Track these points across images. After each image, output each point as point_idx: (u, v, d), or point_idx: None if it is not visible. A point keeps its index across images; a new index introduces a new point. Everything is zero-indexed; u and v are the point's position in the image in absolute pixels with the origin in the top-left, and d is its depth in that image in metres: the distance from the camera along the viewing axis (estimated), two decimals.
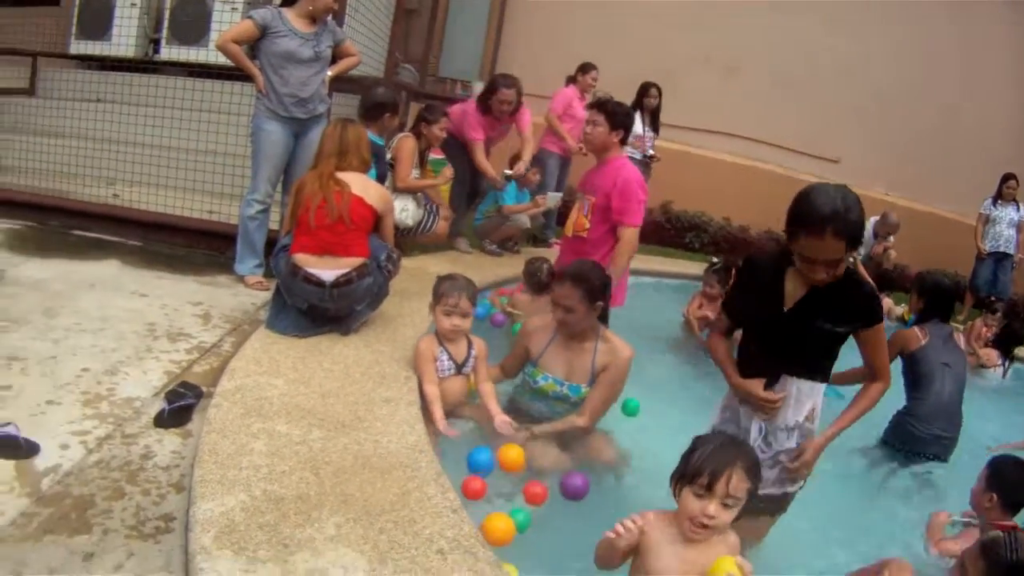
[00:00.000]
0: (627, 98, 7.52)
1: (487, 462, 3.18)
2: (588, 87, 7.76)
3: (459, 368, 3.64)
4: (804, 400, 2.85)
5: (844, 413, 2.91)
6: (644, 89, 8.24)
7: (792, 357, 2.81)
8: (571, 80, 7.82)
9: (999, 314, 7.25)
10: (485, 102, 6.26)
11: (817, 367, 2.85)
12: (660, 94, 8.28)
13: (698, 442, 2.26)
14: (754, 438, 2.89)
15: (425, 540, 2.29)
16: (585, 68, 7.79)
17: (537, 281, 5.24)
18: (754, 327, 2.91)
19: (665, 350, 5.63)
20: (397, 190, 5.62)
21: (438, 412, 3.42)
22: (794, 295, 2.73)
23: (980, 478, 3.42)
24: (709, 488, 2.15)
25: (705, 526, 2.16)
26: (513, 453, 3.25)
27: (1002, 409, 6.03)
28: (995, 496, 3.32)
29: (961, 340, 5.04)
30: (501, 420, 3.44)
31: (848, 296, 2.67)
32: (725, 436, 2.32)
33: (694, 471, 2.17)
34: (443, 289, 3.63)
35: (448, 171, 6.17)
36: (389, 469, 2.69)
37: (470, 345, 3.71)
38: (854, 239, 2.50)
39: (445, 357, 3.61)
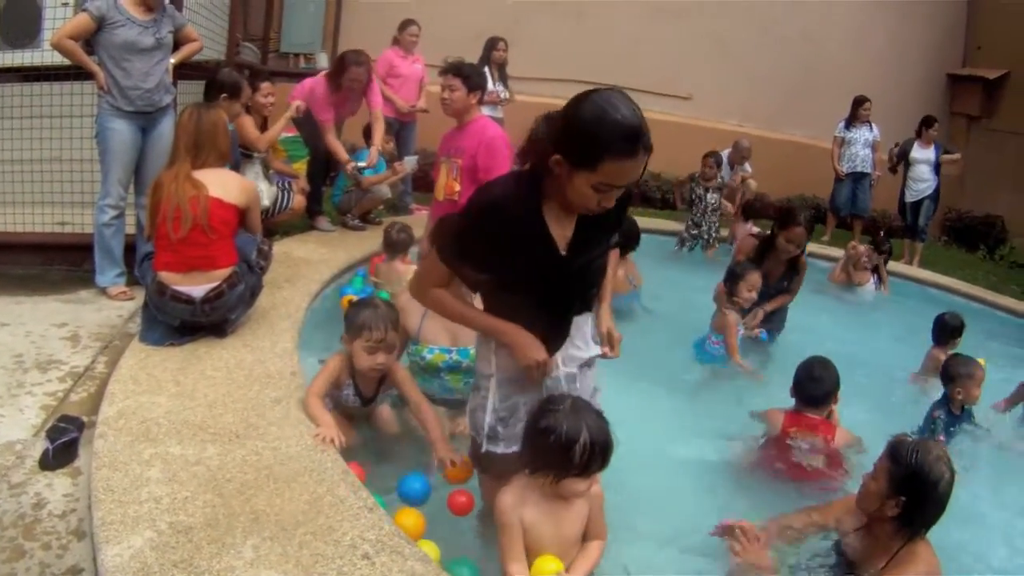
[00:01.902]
0: (474, 53, 7.53)
1: (421, 490, 2.93)
2: (409, 43, 7.71)
3: (364, 404, 3.34)
4: (591, 328, 2.69)
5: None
6: (492, 43, 8.18)
7: (577, 299, 2.55)
8: (396, 41, 7.75)
9: (886, 251, 7.54)
10: (336, 79, 6.11)
11: (593, 296, 2.66)
12: (507, 47, 8.26)
13: (565, 436, 2.25)
14: (564, 386, 2.59)
15: (348, 547, 2.28)
16: (403, 25, 7.73)
17: (391, 241, 5.20)
18: (524, 283, 2.44)
19: None
20: (258, 153, 5.68)
21: (324, 417, 3.03)
22: (563, 236, 2.39)
23: None
24: (587, 474, 2.32)
25: None
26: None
27: (899, 319, 6.67)
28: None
29: None
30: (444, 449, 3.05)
31: (609, 217, 2.40)
32: (586, 425, 2.27)
33: (582, 468, 2.28)
34: (364, 319, 3.10)
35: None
36: (294, 476, 2.65)
37: (382, 382, 3.31)
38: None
39: (351, 391, 3.29)
